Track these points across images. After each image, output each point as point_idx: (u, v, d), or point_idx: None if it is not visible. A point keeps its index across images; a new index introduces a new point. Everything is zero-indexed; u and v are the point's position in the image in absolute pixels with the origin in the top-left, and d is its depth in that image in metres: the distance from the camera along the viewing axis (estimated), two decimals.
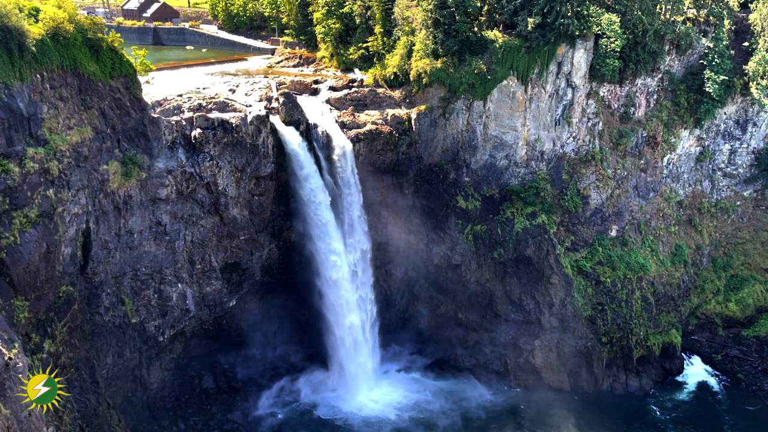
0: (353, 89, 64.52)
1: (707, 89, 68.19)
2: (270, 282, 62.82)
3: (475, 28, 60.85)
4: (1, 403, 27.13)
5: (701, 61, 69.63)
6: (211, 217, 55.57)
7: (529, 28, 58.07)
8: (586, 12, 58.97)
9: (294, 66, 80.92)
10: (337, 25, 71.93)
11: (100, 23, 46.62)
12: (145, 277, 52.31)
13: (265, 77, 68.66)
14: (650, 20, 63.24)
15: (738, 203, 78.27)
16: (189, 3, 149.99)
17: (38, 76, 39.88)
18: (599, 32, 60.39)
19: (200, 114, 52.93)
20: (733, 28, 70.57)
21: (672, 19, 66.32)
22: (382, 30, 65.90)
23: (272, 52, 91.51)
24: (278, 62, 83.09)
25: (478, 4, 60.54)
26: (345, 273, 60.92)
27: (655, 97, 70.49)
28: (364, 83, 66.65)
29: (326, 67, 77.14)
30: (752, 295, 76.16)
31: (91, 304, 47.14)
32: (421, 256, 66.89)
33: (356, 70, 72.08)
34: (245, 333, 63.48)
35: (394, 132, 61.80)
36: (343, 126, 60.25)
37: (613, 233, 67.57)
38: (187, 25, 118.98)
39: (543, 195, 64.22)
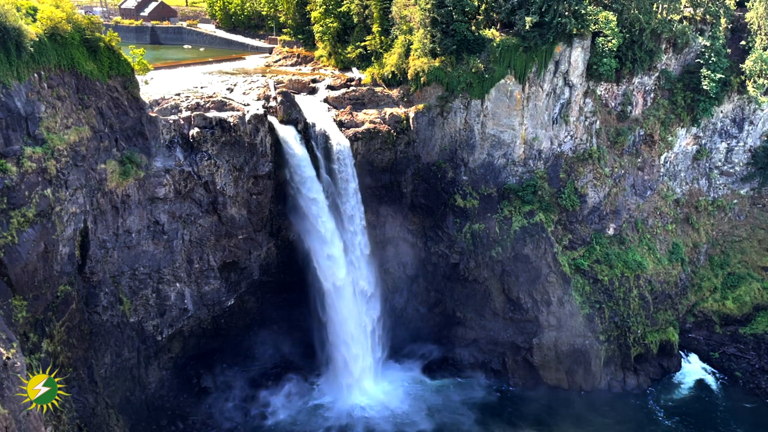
0: (351, 88, 64.52)
1: (704, 87, 68.43)
2: (268, 281, 62.84)
3: (473, 27, 60.89)
4: None
5: (698, 60, 69.81)
6: (210, 216, 55.56)
7: (527, 27, 58.14)
8: (583, 11, 59.10)
9: (292, 65, 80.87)
10: (335, 24, 71.90)
11: (98, 22, 46.55)
12: (143, 276, 52.29)
13: (262, 76, 68.60)
14: (647, 19, 63.39)
15: (735, 201, 78.53)
16: (187, 2, 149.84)
17: (36, 75, 39.84)
18: (596, 30, 60.52)
19: (198, 113, 52.89)
20: (729, 27, 70.77)
21: (669, 17, 66.50)
22: (379, 29, 65.93)
23: (270, 51, 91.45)
24: (276, 61, 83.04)
25: (476, 3, 60.59)
26: (343, 271, 60.93)
27: (652, 95, 70.68)
28: (362, 82, 66.67)
29: (324, 66, 77.13)
30: (749, 293, 76.41)
31: (90, 304, 47.10)
32: (420, 254, 66.99)
33: (354, 69, 72.09)
34: (244, 332, 63.55)
35: (392, 131, 61.83)
36: (341, 125, 60.28)
37: (611, 231, 67.72)
38: (184, 24, 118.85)
39: (541, 193, 64.35)
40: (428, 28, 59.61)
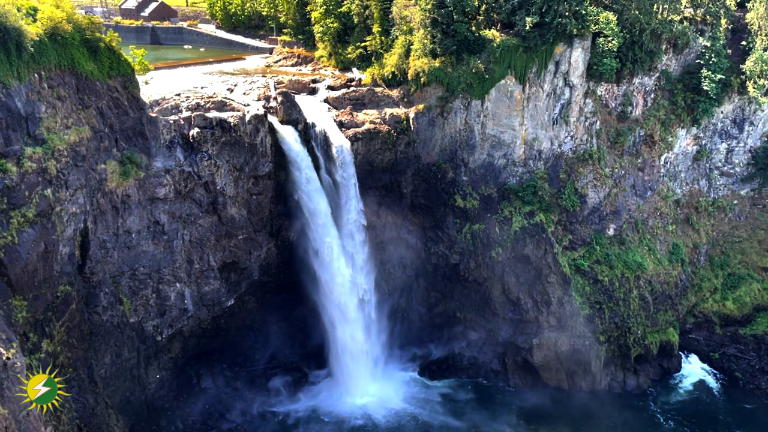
0: (351, 88, 64.52)
1: (704, 88, 68.41)
2: (268, 281, 62.82)
3: (473, 28, 60.88)
4: None
5: (698, 60, 69.81)
6: (210, 216, 55.56)
7: (527, 27, 58.12)
8: (583, 11, 59.08)
9: (292, 65, 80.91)
10: (335, 25, 71.91)
11: (98, 23, 46.58)
12: (143, 276, 52.28)
13: (263, 76, 68.62)
14: (647, 19, 63.39)
15: (735, 202, 78.50)
16: (187, 2, 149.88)
17: (36, 75, 39.85)
18: (597, 31, 60.51)
19: (198, 113, 52.90)
20: (730, 27, 70.75)
21: (669, 18, 66.47)
22: (380, 29, 65.92)
23: (270, 51, 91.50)
24: (276, 61, 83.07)
25: (476, 4, 60.56)
26: (343, 272, 60.93)
27: (652, 96, 70.66)
28: (363, 82, 66.68)
29: (324, 66, 77.15)
30: (749, 294, 76.35)
31: (90, 304, 47.10)
32: (420, 255, 66.96)
33: (354, 69, 72.10)
34: (243, 332, 63.53)
35: (392, 131, 61.83)
36: (342, 125, 60.27)
37: (611, 232, 67.71)
38: (185, 24, 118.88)
39: (541, 194, 64.32)
40: (428, 29, 59.59)
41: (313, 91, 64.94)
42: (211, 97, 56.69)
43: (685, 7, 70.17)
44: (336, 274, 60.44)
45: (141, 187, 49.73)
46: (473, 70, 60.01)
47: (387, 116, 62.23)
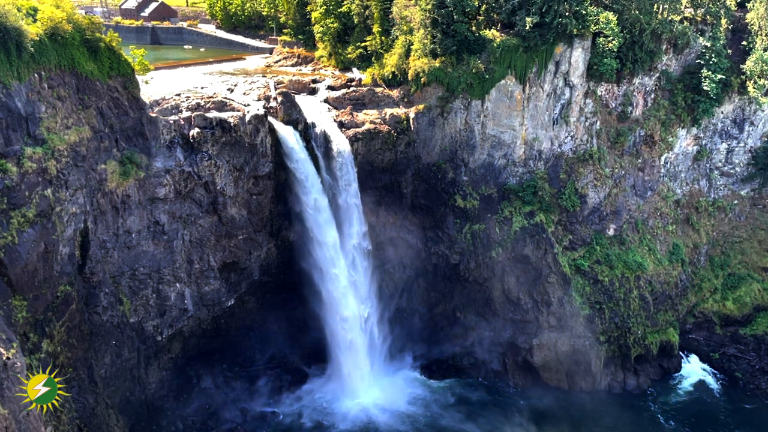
0: (351, 88, 64.51)
1: (704, 88, 68.43)
2: (268, 281, 62.82)
3: (473, 28, 60.89)
4: None
5: (698, 61, 69.83)
6: (210, 216, 55.55)
7: (527, 27, 58.13)
8: (584, 11, 59.07)
9: (292, 65, 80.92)
10: (336, 25, 71.92)
11: (98, 23, 46.57)
12: (143, 276, 52.27)
13: (263, 76, 68.62)
14: (647, 19, 63.40)
15: (735, 202, 78.49)
16: (187, 2, 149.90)
17: (36, 75, 39.84)
18: (597, 31, 60.52)
19: (198, 113, 52.88)
20: (730, 28, 70.78)
21: (669, 18, 66.48)
22: (380, 29, 65.92)
23: (270, 51, 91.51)
24: (276, 61, 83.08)
25: (476, 4, 60.56)
26: (343, 272, 60.90)
27: (652, 96, 70.65)
28: (363, 83, 66.67)
29: (324, 66, 77.16)
30: (750, 294, 76.35)
31: (90, 304, 47.08)
32: (420, 255, 66.95)
33: (354, 69, 72.10)
34: (243, 332, 63.53)
35: (392, 131, 61.81)
36: (342, 125, 60.26)
37: (611, 232, 67.70)
38: (185, 24, 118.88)
39: (541, 194, 64.32)
40: (429, 29, 59.58)
41: (313, 91, 64.93)
42: (211, 97, 56.68)
43: (685, 7, 70.20)
44: (335, 275, 60.29)
45: (141, 187, 49.72)
46: (473, 70, 60.00)
47: (387, 116, 62.22)
